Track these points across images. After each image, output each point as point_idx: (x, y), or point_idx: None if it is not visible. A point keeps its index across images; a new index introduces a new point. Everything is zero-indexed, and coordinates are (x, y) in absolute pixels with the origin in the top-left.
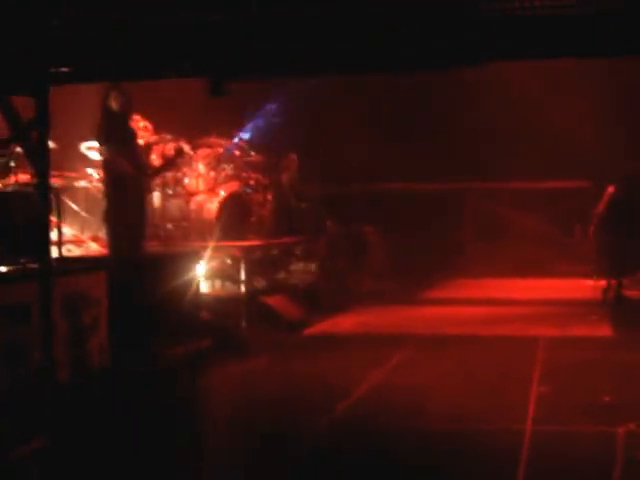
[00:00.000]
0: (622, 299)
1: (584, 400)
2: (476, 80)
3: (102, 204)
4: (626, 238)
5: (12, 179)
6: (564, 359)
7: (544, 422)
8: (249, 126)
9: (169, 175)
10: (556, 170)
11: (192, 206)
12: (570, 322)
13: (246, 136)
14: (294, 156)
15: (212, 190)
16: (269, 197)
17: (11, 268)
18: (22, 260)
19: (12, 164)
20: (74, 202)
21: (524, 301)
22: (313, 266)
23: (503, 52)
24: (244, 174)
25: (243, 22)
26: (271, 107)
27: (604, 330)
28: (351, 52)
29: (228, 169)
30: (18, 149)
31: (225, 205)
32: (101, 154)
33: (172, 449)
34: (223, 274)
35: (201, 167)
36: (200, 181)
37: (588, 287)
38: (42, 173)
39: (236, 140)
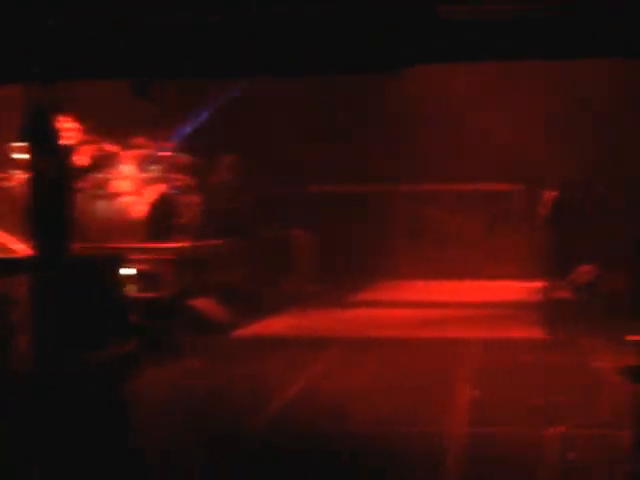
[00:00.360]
0: (558, 300)
1: (515, 402)
2: (411, 80)
3: (26, 204)
4: (565, 240)
5: None
6: (494, 361)
7: (474, 424)
8: (180, 127)
9: (96, 176)
10: (486, 172)
11: (119, 207)
12: (500, 324)
13: (176, 137)
14: (230, 157)
15: (140, 191)
16: (198, 199)
17: None
18: None
19: None
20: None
21: (453, 303)
22: (242, 268)
23: (452, 54)
24: (173, 175)
25: (243, 22)
26: (204, 108)
27: (535, 332)
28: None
29: (157, 170)
30: None
31: (153, 206)
32: (25, 154)
33: (98, 450)
34: (151, 276)
35: (129, 168)
36: (128, 182)
37: (519, 289)
38: None
39: (166, 141)
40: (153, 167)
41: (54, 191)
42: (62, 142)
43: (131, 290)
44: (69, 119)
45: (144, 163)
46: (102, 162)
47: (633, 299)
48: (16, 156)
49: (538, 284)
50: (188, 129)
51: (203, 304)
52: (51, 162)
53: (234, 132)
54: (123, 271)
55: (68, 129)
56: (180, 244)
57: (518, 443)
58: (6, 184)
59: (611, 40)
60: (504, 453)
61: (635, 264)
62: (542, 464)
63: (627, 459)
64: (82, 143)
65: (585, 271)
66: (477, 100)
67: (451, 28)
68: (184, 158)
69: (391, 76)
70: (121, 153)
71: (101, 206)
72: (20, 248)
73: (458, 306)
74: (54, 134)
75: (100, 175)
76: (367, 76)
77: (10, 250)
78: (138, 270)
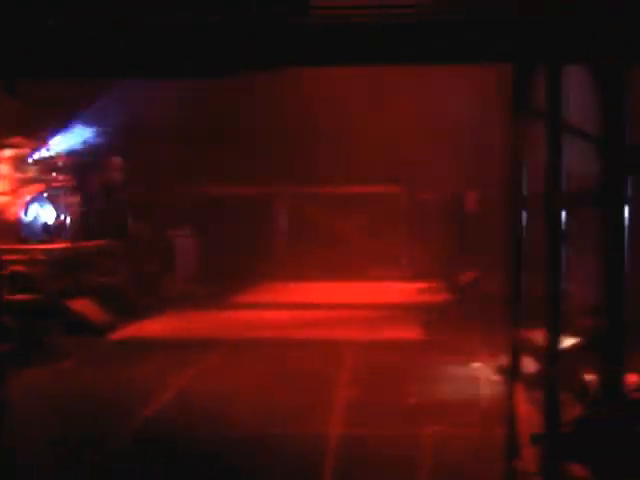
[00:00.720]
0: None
1: (393, 403)
2: (297, 84)
3: None
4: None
5: None
6: (372, 362)
7: (352, 425)
8: (63, 127)
9: None
10: (368, 175)
11: None
12: (380, 325)
13: (57, 137)
14: (113, 158)
15: (15, 192)
16: (77, 200)
17: None
18: None
19: None
20: None
21: (336, 304)
22: (121, 269)
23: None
24: (51, 176)
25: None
26: (89, 108)
27: (415, 332)
28: None
29: (33, 170)
30: None
31: (28, 207)
32: None
33: None
34: (26, 277)
35: (5, 168)
36: (4, 182)
37: (401, 290)
38: None
39: (45, 141)
40: (30, 167)
41: None
42: None
43: (7, 292)
44: None
45: (20, 163)
46: None
47: (506, 301)
48: None
49: (420, 285)
50: (69, 129)
51: (80, 305)
52: None
53: (119, 133)
54: None
55: None
56: (56, 245)
57: (393, 443)
58: None
59: (476, 46)
60: (379, 453)
61: (509, 267)
62: (416, 463)
63: (500, 457)
64: None
65: (465, 273)
66: (361, 104)
67: (322, 31)
68: (64, 158)
69: (270, 76)
70: None
71: None
72: None
73: (339, 307)
74: None
75: None
76: (249, 78)
77: None
78: (12, 271)
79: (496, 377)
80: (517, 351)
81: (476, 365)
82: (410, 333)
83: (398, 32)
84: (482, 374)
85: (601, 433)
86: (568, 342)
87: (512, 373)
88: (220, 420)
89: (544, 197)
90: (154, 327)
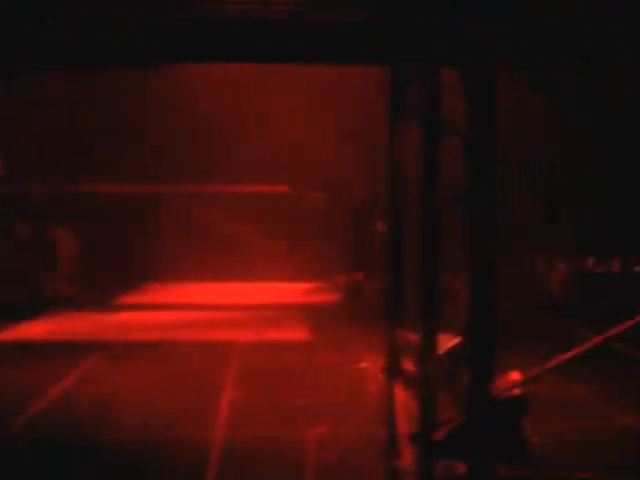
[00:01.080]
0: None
1: (278, 403)
2: (182, 81)
3: None
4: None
5: None
6: (261, 363)
7: (236, 427)
8: None
9: None
10: (258, 175)
11: None
12: (268, 326)
13: None
14: None
15: None
16: None
17: None
18: None
19: None
20: None
21: (225, 306)
22: None
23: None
24: None
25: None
26: None
27: (302, 333)
28: None
29: None
30: None
31: None
32: None
33: None
34: None
35: None
36: None
37: (289, 290)
38: None
39: None
40: None
41: None
42: None
43: None
44: None
45: None
46: None
47: (387, 302)
48: None
49: (308, 285)
50: None
51: None
52: None
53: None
54: None
55: None
56: None
57: (276, 445)
58: None
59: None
60: (262, 455)
61: (390, 269)
62: (298, 464)
63: (383, 455)
64: None
65: (350, 275)
66: (252, 104)
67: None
68: None
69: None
70: None
71: None
72: None
73: (228, 308)
74: None
75: None
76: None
77: None
78: None
79: (381, 377)
80: (396, 351)
81: (362, 365)
82: (297, 334)
83: (270, 31)
84: (368, 374)
85: (472, 431)
86: (452, 342)
87: (392, 373)
88: (105, 424)
89: (420, 198)
90: (36, 329)
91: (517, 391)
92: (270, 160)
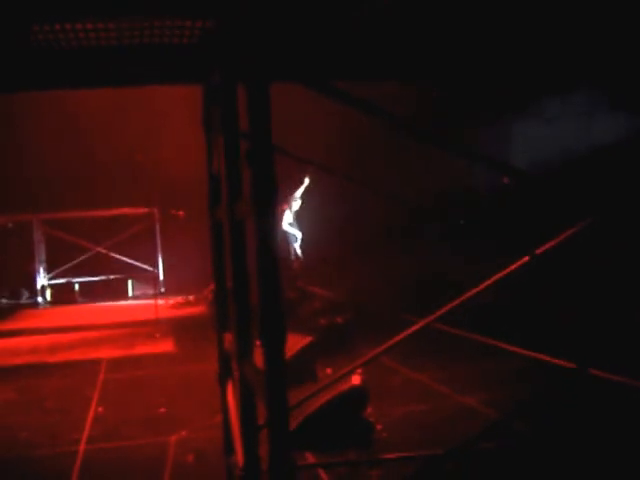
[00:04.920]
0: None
1: (141, 414)
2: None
3: None
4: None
5: None
6: (125, 377)
7: (99, 440)
8: None
9: None
10: (124, 197)
11: None
12: (134, 341)
13: None
14: None
15: None
16: None
17: None
18: None
19: None
20: None
21: (91, 326)
22: None
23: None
24: None
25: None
26: None
27: (167, 346)
28: None
29: None
30: None
31: None
32: None
33: None
34: None
35: None
36: None
37: (157, 306)
38: None
39: None
40: None
41: None
42: None
43: None
44: None
45: None
46: None
47: (216, 310)
48: None
49: (176, 300)
50: None
51: None
52: None
53: None
54: None
55: None
56: None
57: (142, 451)
58: None
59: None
60: (126, 463)
61: (215, 279)
62: (161, 467)
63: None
64: None
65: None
66: (112, 124)
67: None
68: None
69: None
70: None
71: None
72: None
73: (96, 328)
74: None
75: None
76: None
77: None
78: None
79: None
80: (226, 356)
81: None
82: (161, 347)
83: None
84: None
85: (318, 423)
86: (302, 342)
87: (222, 375)
88: None
89: (226, 208)
90: None
91: (358, 382)
92: (133, 181)
